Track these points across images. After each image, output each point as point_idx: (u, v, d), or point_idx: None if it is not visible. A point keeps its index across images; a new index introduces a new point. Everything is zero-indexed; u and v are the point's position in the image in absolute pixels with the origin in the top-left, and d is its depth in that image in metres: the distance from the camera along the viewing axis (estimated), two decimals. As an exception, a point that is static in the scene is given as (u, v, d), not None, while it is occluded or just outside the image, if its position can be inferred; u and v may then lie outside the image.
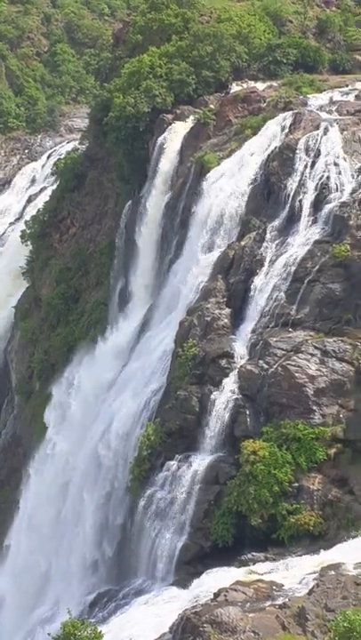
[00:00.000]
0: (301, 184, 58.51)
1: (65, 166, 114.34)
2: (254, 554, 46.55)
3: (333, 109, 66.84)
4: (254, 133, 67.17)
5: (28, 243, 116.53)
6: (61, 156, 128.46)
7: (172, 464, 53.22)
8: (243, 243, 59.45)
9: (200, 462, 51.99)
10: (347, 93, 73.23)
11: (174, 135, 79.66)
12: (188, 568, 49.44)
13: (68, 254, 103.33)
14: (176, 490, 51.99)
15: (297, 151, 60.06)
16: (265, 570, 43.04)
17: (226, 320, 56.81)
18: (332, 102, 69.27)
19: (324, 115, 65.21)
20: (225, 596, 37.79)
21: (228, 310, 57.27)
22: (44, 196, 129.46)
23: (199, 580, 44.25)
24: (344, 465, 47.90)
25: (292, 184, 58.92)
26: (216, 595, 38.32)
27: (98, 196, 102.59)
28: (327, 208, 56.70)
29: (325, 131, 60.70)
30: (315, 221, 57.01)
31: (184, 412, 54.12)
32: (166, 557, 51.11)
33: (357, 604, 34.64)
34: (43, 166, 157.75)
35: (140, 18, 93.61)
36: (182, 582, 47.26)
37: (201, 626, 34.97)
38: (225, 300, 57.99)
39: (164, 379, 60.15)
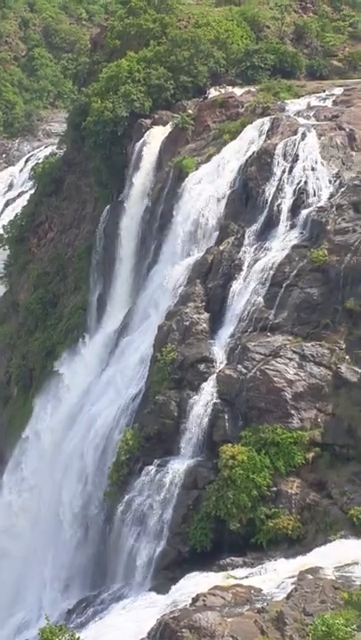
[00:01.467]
0: (279, 189, 58.68)
1: (43, 171, 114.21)
2: (233, 558, 46.54)
3: (311, 115, 67.11)
4: (232, 138, 67.32)
5: (6, 247, 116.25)
6: (39, 161, 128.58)
7: (151, 469, 53.10)
8: (221, 247, 59.54)
9: (179, 467, 51.89)
10: (324, 99, 73.53)
11: (153, 140, 79.75)
12: (166, 573, 49.34)
13: (46, 259, 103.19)
14: (154, 495, 51.87)
15: (275, 156, 60.21)
16: (243, 574, 43.11)
17: (204, 325, 56.87)
18: (309, 108, 69.53)
19: (301, 120, 65.47)
20: (203, 600, 37.75)
21: (206, 315, 57.33)
22: (22, 201, 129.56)
23: (177, 586, 44.22)
24: (322, 469, 47.98)
25: (270, 189, 59.08)
26: (194, 600, 38.28)
27: (76, 201, 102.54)
28: (305, 213, 56.90)
29: (303, 136, 60.91)
30: (293, 226, 57.20)
31: (162, 416, 54.07)
32: (144, 563, 50.97)
33: (336, 608, 34.70)
34: (20, 171, 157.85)
35: (117, 23, 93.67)
36: (161, 587, 47.20)
37: (179, 631, 34.90)
38: (203, 304, 58.03)
39: (142, 383, 60.09)
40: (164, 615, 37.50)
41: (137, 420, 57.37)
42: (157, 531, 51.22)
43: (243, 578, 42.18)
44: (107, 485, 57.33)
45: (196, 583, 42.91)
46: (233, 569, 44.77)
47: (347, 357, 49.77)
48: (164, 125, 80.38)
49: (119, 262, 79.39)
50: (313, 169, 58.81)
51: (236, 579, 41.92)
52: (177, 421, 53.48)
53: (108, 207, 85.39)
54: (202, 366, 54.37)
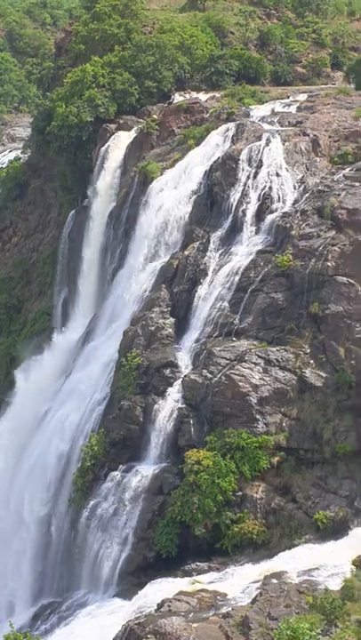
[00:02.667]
0: (244, 194, 58.88)
1: (7, 175, 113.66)
2: (198, 564, 46.56)
3: (275, 120, 67.47)
4: (197, 144, 67.44)
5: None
6: (3, 165, 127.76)
7: (116, 474, 53.00)
8: (186, 252, 59.61)
9: (144, 472, 51.84)
10: (288, 105, 73.97)
11: (117, 145, 79.69)
12: (131, 579, 49.25)
13: (11, 264, 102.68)
14: (120, 501, 51.76)
15: (240, 162, 60.44)
16: (209, 579, 43.12)
17: (170, 329, 56.88)
18: (274, 113, 69.88)
19: (266, 126, 65.78)
20: (168, 606, 37.74)
21: (172, 320, 57.34)
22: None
23: (143, 591, 44.10)
24: (287, 473, 48.13)
25: (235, 194, 59.28)
26: (160, 605, 38.25)
27: (41, 206, 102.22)
28: (270, 218, 57.15)
29: (268, 142, 61.17)
30: (258, 231, 57.42)
31: (128, 421, 53.98)
32: (110, 569, 50.82)
33: (300, 612, 34.84)
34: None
35: (82, 27, 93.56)
36: (126, 593, 47.10)
37: (145, 636, 34.88)
38: (169, 309, 58.05)
39: (107, 389, 59.94)
40: (130, 621, 37.45)
41: (102, 425, 57.19)
42: (122, 536, 51.11)
43: (208, 583, 42.19)
44: (71, 491, 57.07)
45: (161, 589, 42.85)
46: (198, 574, 44.76)
47: (311, 362, 50.00)
48: (129, 130, 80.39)
49: (84, 267, 79.12)
50: (278, 174, 59.08)
51: (201, 584, 41.92)
52: (142, 427, 53.41)
53: (72, 212, 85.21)
54: (167, 371, 54.38)
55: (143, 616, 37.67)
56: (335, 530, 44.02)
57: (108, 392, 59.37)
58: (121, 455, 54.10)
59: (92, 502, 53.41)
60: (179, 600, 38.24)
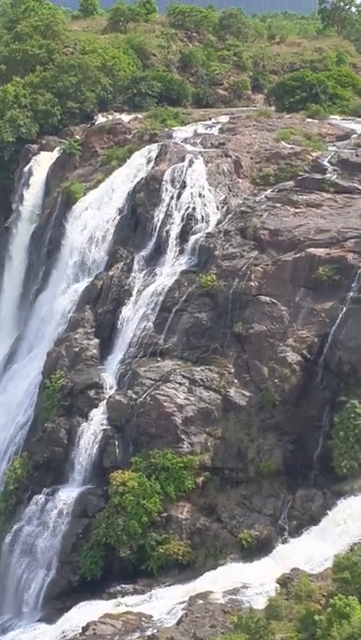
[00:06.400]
0: (168, 215, 59.13)
1: None
2: (123, 586, 46.20)
3: (198, 142, 67.95)
4: (121, 164, 67.57)
5: None
6: None
7: (40, 498, 52.33)
8: (111, 273, 59.51)
9: (68, 495, 51.32)
10: (210, 126, 74.61)
11: (40, 165, 79.44)
12: (56, 603, 48.58)
13: None
14: (44, 524, 51.13)
15: (163, 182, 60.69)
16: (134, 602, 42.85)
17: (94, 350, 56.61)
18: (196, 135, 70.44)
19: (188, 147, 66.21)
20: (93, 629, 37.43)
21: (96, 341, 57.10)
22: None
23: (67, 615, 43.64)
24: (212, 493, 48.17)
25: (158, 214, 59.48)
26: (84, 629, 37.91)
27: None
28: (193, 239, 57.48)
29: (190, 163, 61.60)
30: (182, 252, 57.68)
31: (52, 444, 53.41)
32: (34, 593, 50.09)
33: (226, 632, 34.81)
34: None
35: (3, 48, 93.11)
36: (50, 618, 46.47)
37: (70, 661, 34.45)
38: (93, 330, 57.81)
39: (31, 411, 59.28)
40: (54, 646, 36.96)
41: (25, 448, 56.50)
42: (46, 560, 50.45)
43: (133, 605, 41.92)
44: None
45: (86, 612, 42.45)
46: (123, 596, 44.44)
47: (235, 381, 50.23)
48: (52, 151, 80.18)
49: (6, 288, 78.43)
50: (201, 195, 59.51)
51: (126, 606, 41.63)
52: (67, 449, 52.92)
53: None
54: (92, 392, 54.04)
55: (68, 640, 37.23)
56: (260, 549, 44.19)
57: (32, 414, 58.72)
58: (45, 478, 53.47)
59: (15, 526, 52.64)
60: (104, 623, 37.95)
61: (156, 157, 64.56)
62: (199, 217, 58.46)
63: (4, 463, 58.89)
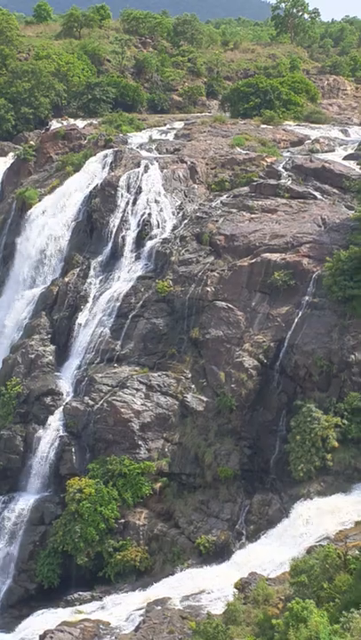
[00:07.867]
0: (124, 220, 59.11)
1: None
2: (81, 593, 46.00)
3: (153, 148, 68.09)
4: (76, 170, 67.37)
5: None
6: None
7: (-4, 506, 51.97)
8: (67, 279, 59.29)
9: (25, 503, 50.98)
10: (166, 132, 74.85)
11: (-6, 171, 78.90)
12: (13, 611, 48.22)
13: None
14: (0, 532, 50.73)
15: (118, 188, 60.67)
16: (92, 609, 42.64)
17: (50, 357, 56.35)
18: (151, 141, 70.53)
19: (144, 153, 66.29)
20: (51, 637, 37.10)
21: (52, 347, 56.85)
22: None
23: (24, 623, 43.33)
24: (170, 499, 48.15)
25: (114, 220, 59.42)
26: (42, 637, 37.56)
27: None
28: (149, 244, 57.50)
29: (146, 168, 61.63)
30: (138, 257, 57.65)
31: (8, 451, 53.05)
32: (-10, 602, 49.71)
33: (184, 638, 34.73)
34: None
35: None
36: (7, 626, 46.06)
37: (28, 670, 34.18)
38: (49, 336, 57.53)
39: (-14, 418, 58.76)
40: (12, 655, 36.67)
41: (-19, 455, 56.03)
42: (3, 568, 50.06)
43: (91, 612, 41.70)
44: None
45: (43, 620, 42.12)
46: (81, 604, 44.20)
47: (193, 386, 50.31)
48: (6, 156, 79.77)
49: None
50: (156, 201, 59.58)
51: (84, 613, 41.40)
52: (23, 456, 52.60)
53: None
54: (48, 399, 53.78)
55: (25, 649, 36.94)
56: (217, 554, 44.24)
57: (-13, 422, 58.21)
58: (1, 486, 53.08)
59: (-29, 535, 52.18)
60: (61, 631, 37.64)
61: (112, 163, 64.53)
62: (155, 222, 58.53)
63: None
